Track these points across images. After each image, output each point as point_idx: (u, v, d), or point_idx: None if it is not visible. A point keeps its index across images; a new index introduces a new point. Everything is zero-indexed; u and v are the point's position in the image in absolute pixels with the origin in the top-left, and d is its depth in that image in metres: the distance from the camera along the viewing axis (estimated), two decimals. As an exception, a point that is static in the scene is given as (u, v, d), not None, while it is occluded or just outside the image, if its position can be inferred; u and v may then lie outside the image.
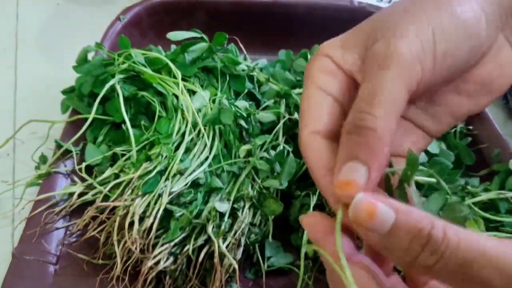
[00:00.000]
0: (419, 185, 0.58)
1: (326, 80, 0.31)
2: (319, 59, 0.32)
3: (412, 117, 0.36)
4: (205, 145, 0.60)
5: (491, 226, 0.57)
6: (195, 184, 0.57)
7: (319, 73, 0.31)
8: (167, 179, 0.57)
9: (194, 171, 0.57)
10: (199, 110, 0.63)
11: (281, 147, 0.61)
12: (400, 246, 0.21)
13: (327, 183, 0.27)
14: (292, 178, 0.59)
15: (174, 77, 0.65)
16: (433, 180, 0.57)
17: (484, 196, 0.58)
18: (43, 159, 0.63)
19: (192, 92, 0.66)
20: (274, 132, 0.62)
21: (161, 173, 0.57)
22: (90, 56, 0.69)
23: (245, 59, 0.75)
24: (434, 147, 0.64)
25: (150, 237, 0.52)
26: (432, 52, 0.28)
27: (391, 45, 0.28)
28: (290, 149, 0.61)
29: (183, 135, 0.60)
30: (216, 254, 0.52)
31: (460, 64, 0.31)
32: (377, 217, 0.22)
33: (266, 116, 0.65)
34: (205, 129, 0.60)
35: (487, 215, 0.57)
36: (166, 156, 0.58)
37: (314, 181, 0.29)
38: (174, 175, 0.58)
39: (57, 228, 0.55)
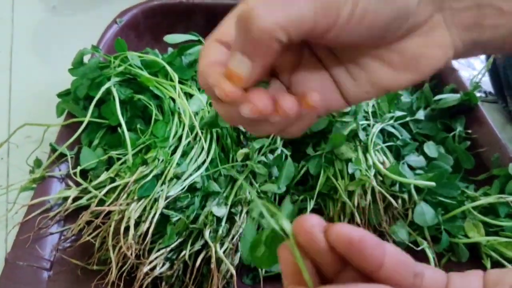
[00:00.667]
0: (419, 189, 0.58)
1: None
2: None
3: (335, 73, 0.36)
4: (202, 148, 0.59)
5: (491, 231, 0.56)
6: (192, 188, 0.56)
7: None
8: (163, 183, 0.56)
9: (191, 175, 0.57)
10: (196, 114, 0.63)
11: (279, 151, 0.60)
12: None
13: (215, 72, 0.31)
14: (290, 183, 0.59)
15: (171, 80, 0.64)
16: (432, 184, 0.57)
17: (483, 201, 0.57)
18: (38, 163, 0.62)
19: (189, 95, 0.65)
20: (272, 135, 0.61)
21: (157, 177, 0.56)
22: (86, 59, 0.68)
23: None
24: (432, 151, 0.64)
25: (145, 242, 0.51)
26: (352, 3, 0.29)
27: None
28: (289, 153, 0.60)
29: (179, 138, 0.60)
30: (213, 259, 0.51)
31: (380, 29, 0.31)
32: None
33: (263, 120, 0.65)
34: (202, 132, 0.59)
35: (486, 219, 0.56)
36: (162, 160, 0.57)
37: (202, 73, 0.32)
38: (171, 179, 0.57)
39: (51, 233, 0.54)
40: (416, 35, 0.34)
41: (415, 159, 0.62)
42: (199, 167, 0.57)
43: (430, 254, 0.55)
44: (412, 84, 0.36)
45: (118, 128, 0.62)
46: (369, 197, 0.56)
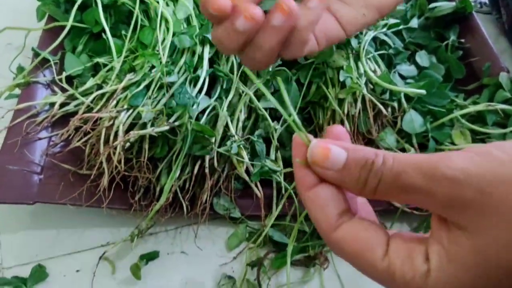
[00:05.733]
0: (409, 98, 0.58)
1: None
2: None
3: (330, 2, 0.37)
4: (193, 54, 0.57)
5: (478, 138, 0.57)
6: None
7: None
8: (153, 91, 0.55)
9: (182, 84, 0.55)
10: (184, 20, 0.60)
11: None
12: (352, 176, 0.25)
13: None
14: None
15: (157, -17, 0.61)
16: (422, 91, 0.57)
17: (472, 109, 0.57)
18: (21, 70, 0.60)
19: (175, 0, 0.62)
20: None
21: (147, 86, 0.55)
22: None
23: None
24: (424, 60, 0.63)
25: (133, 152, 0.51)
26: None
27: None
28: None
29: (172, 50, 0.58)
30: (207, 163, 0.52)
31: None
32: (331, 157, 0.25)
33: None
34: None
35: (474, 127, 0.57)
36: (152, 67, 0.56)
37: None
38: (160, 88, 0.56)
39: (40, 139, 0.53)
40: None
41: (406, 68, 0.62)
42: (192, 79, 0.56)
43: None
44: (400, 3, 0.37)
45: (102, 34, 0.60)
46: (359, 105, 0.56)
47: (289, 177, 0.54)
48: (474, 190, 0.22)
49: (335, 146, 0.26)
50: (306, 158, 0.27)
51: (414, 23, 0.66)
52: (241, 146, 0.52)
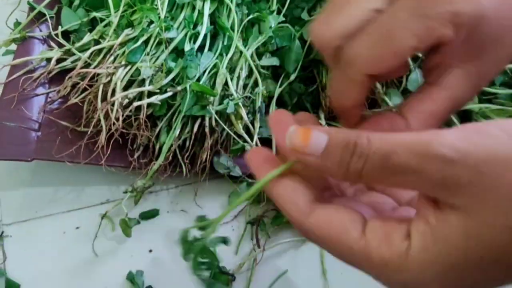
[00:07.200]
0: (415, 57, 0.56)
1: None
2: None
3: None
4: (193, 10, 0.55)
5: (484, 98, 0.56)
6: (180, 52, 0.54)
7: None
8: (151, 48, 0.53)
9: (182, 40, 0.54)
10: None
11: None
12: (334, 160, 0.23)
13: None
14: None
15: None
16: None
17: (479, 68, 0.56)
18: (18, 25, 0.58)
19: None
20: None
21: (145, 41, 0.53)
22: None
23: None
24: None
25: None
26: None
27: None
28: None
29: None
30: (207, 123, 0.51)
31: None
32: (312, 140, 0.24)
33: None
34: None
35: (481, 87, 0.55)
36: (150, 23, 0.54)
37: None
38: (159, 43, 0.54)
39: (37, 95, 0.53)
40: None
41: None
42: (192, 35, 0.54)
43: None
44: None
45: (100, -12, 0.58)
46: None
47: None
48: (469, 169, 0.20)
49: (316, 130, 0.24)
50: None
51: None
52: (239, 104, 0.51)
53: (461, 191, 0.21)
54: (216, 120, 0.51)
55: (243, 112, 0.51)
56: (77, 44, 0.54)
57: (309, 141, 0.24)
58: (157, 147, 0.52)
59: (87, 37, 0.55)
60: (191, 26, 0.54)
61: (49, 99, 0.53)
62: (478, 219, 0.21)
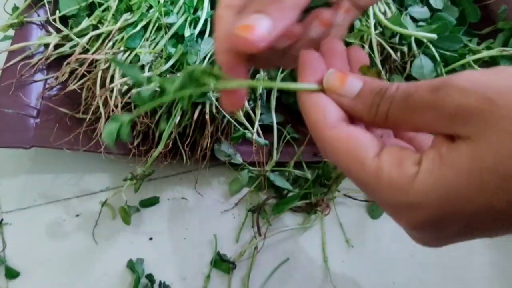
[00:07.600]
0: (419, 42, 0.56)
1: None
2: None
3: None
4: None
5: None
6: (180, 38, 0.53)
7: None
8: (151, 33, 0.53)
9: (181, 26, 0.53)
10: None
11: None
12: (366, 103, 0.26)
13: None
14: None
15: None
16: (433, 36, 0.54)
17: (485, 53, 0.55)
18: (16, 10, 0.57)
19: None
20: None
21: (144, 27, 0.52)
22: None
23: None
24: (438, 2, 0.60)
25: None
26: None
27: None
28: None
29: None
30: (207, 110, 0.50)
31: None
32: (347, 83, 0.26)
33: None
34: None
35: (487, 73, 0.54)
36: (149, 8, 0.53)
37: (216, 42, 0.30)
38: (159, 29, 0.53)
39: (35, 81, 0.52)
40: None
41: (419, 10, 0.58)
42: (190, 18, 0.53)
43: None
44: None
45: (98, -28, 0.57)
46: (367, 49, 0.54)
47: (291, 123, 0.53)
48: (479, 97, 0.21)
49: (352, 75, 0.26)
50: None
51: (429, -38, 0.62)
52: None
53: (473, 119, 0.21)
54: (216, 107, 0.50)
55: (244, 98, 0.50)
56: (75, 29, 0.53)
57: (345, 84, 0.26)
58: (157, 134, 0.51)
59: (86, 22, 0.54)
60: (191, 11, 0.53)
61: (47, 86, 0.53)
62: (484, 145, 0.21)
